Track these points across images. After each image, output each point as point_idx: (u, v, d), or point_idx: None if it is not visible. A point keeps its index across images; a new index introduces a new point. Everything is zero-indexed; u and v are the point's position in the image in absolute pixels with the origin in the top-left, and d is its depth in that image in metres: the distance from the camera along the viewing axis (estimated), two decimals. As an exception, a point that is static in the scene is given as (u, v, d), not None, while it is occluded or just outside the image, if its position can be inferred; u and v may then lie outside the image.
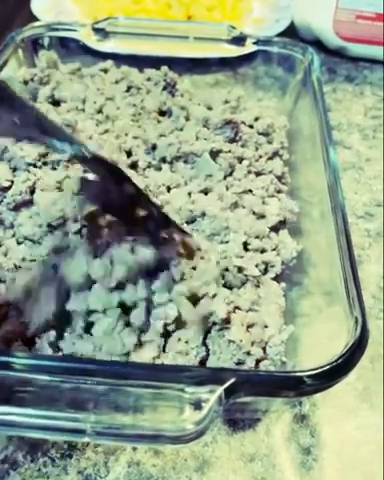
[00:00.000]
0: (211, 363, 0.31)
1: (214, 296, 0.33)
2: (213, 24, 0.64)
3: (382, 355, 0.37)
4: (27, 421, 0.24)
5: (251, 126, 0.47)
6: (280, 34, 0.68)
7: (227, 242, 0.37)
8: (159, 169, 0.44)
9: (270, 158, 0.46)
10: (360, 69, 0.68)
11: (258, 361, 0.32)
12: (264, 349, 0.33)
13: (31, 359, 0.27)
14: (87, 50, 0.56)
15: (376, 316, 0.40)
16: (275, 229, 0.40)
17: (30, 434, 0.25)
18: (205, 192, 0.41)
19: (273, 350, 0.32)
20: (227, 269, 0.35)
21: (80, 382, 0.26)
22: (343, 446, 0.32)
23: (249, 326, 0.33)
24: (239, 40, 0.55)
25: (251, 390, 0.26)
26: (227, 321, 0.32)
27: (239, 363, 0.31)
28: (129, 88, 0.51)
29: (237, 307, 0.33)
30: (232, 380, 0.25)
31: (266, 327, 0.34)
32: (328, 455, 0.32)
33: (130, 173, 0.41)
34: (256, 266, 0.36)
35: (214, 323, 0.32)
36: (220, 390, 0.25)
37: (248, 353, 0.32)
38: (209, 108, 0.49)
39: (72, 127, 0.43)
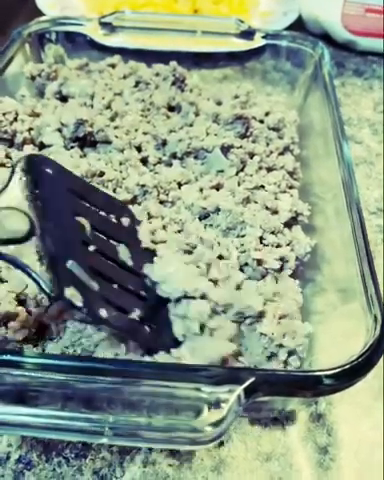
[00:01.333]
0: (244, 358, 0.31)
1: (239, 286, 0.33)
2: (221, 18, 0.63)
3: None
4: (44, 422, 0.24)
5: (262, 121, 0.47)
6: (288, 27, 0.68)
7: (243, 236, 0.37)
8: (169, 165, 0.44)
9: (281, 153, 0.45)
10: (369, 63, 0.67)
11: (290, 353, 0.31)
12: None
13: (46, 358, 0.26)
14: (93, 45, 0.55)
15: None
16: (288, 225, 0.39)
17: (47, 435, 0.25)
18: (217, 188, 0.40)
19: (297, 341, 0.32)
20: (246, 263, 0.34)
21: (95, 381, 0.26)
22: (360, 445, 0.32)
23: (281, 317, 0.33)
24: (248, 34, 0.54)
25: (270, 390, 0.25)
26: (260, 314, 0.32)
27: (271, 356, 0.31)
28: (137, 83, 0.50)
29: (266, 299, 0.33)
30: (251, 379, 0.25)
31: (292, 319, 0.33)
32: (346, 454, 0.32)
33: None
34: (274, 260, 0.36)
35: (246, 316, 0.32)
36: (239, 390, 0.25)
37: (280, 345, 0.31)
38: (218, 103, 0.48)
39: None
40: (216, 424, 0.24)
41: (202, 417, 0.24)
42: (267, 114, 0.48)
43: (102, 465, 0.30)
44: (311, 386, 0.26)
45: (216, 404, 0.25)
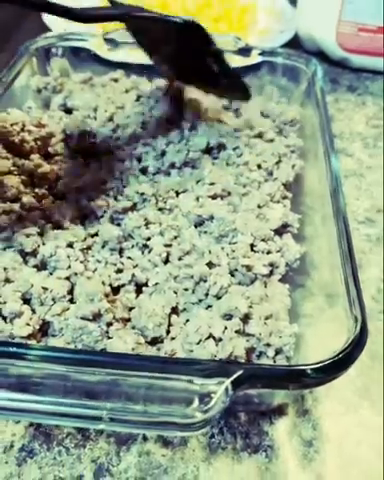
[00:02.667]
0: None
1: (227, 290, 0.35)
2: (219, 35, 0.66)
3: (382, 355, 0.39)
4: (45, 408, 0.26)
5: (260, 135, 0.49)
6: (284, 45, 0.70)
7: (235, 243, 0.39)
8: (168, 174, 0.46)
9: (278, 162, 0.47)
10: (362, 79, 0.70)
11: (277, 352, 0.33)
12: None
13: (46, 351, 0.28)
14: (98, 59, 0.58)
15: (377, 318, 0.41)
16: (279, 233, 0.42)
17: (49, 421, 0.27)
18: (213, 197, 0.43)
19: (284, 340, 0.34)
20: (236, 269, 0.37)
21: (94, 373, 0.28)
22: (344, 440, 0.34)
23: (267, 318, 0.35)
24: (245, 51, 0.57)
25: (256, 382, 0.27)
26: (246, 315, 0.34)
27: (260, 355, 0.33)
28: (139, 97, 0.52)
29: (253, 302, 0.35)
30: (239, 373, 0.27)
31: (278, 320, 0.35)
32: (330, 448, 0.33)
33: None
34: (263, 266, 0.38)
35: (231, 317, 0.34)
36: (227, 382, 0.27)
37: (268, 344, 0.33)
38: (218, 119, 0.51)
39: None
40: (204, 412, 0.26)
41: (193, 406, 0.26)
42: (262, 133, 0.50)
43: (100, 454, 0.32)
44: (295, 379, 0.28)
45: (206, 395, 0.27)
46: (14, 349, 0.28)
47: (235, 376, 0.27)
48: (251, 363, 0.32)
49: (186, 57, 0.43)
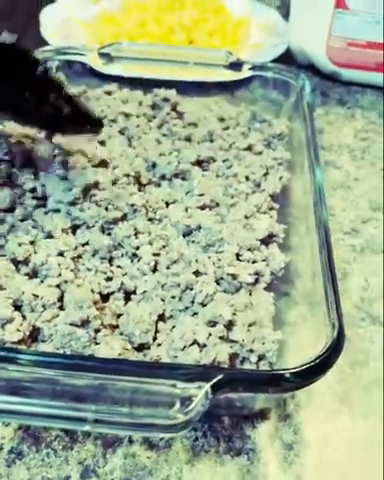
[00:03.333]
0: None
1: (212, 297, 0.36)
2: (212, 50, 0.68)
3: (362, 361, 0.40)
4: (32, 410, 0.27)
5: (250, 148, 0.51)
6: (277, 58, 0.72)
7: (221, 252, 0.40)
8: (159, 185, 0.47)
9: (266, 174, 0.49)
10: (352, 93, 0.71)
11: (260, 358, 0.35)
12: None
13: (36, 355, 0.30)
14: (93, 72, 0.59)
15: (358, 325, 0.42)
16: (265, 242, 0.43)
17: (36, 423, 0.28)
18: (201, 207, 0.44)
19: (267, 347, 0.35)
20: (222, 277, 0.38)
21: (81, 377, 0.29)
22: (324, 445, 0.35)
23: (250, 325, 0.36)
24: (236, 65, 0.58)
25: (236, 386, 0.29)
26: (231, 322, 0.35)
27: (243, 361, 0.34)
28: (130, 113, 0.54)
29: (237, 309, 0.36)
30: (219, 377, 0.28)
31: (262, 327, 0.37)
32: (310, 452, 0.35)
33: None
34: (248, 275, 0.39)
35: (215, 324, 0.35)
36: (207, 386, 0.28)
37: (251, 350, 0.35)
38: (209, 131, 0.52)
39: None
40: (185, 414, 0.27)
41: (174, 409, 0.28)
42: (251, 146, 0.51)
43: (87, 456, 0.33)
44: (274, 383, 0.29)
45: (187, 398, 0.28)
46: (5, 353, 0.29)
47: (215, 380, 0.28)
48: (231, 368, 0.33)
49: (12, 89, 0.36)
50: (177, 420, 0.27)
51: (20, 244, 0.38)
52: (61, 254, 0.38)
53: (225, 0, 0.85)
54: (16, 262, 0.38)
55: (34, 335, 0.35)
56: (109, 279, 0.39)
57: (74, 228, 0.42)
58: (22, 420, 0.30)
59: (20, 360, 0.29)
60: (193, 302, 0.37)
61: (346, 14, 0.66)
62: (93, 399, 0.29)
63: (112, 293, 0.38)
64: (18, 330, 0.34)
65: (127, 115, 0.53)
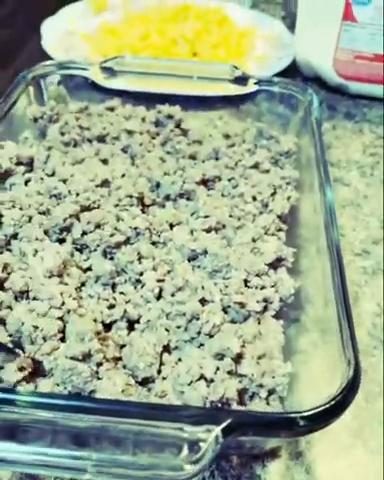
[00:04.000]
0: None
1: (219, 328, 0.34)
2: (217, 64, 0.66)
3: (377, 393, 0.38)
4: (31, 458, 0.25)
5: (256, 166, 0.49)
6: (283, 70, 0.71)
7: (228, 278, 0.38)
8: (163, 206, 0.46)
9: (273, 194, 0.47)
10: (359, 106, 0.70)
11: (270, 392, 0.33)
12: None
13: (34, 396, 0.28)
14: (95, 86, 0.58)
15: (371, 353, 0.41)
16: (273, 266, 0.41)
17: (35, 471, 0.27)
18: (207, 230, 0.42)
19: (277, 381, 0.33)
20: (229, 306, 0.36)
21: (81, 419, 0.27)
22: (337, 484, 0.33)
23: (259, 357, 0.34)
24: (241, 80, 0.57)
25: (247, 430, 0.27)
26: (239, 355, 0.33)
27: (252, 396, 0.33)
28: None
29: (245, 341, 0.35)
30: (229, 420, 0.27)
31: (271, 359, 0.35)
32: (323, 492, 0.33)
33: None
34: (257, 302, 0.37)
35: (223, 357, 0.33)
36: (217, 430, 0.26)
37: (261, 385, 0.33)
38: (214, 149, 0.50)
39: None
40: (195, 462, 0.25)
41: (181, 456, 0.26)
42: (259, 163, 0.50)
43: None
44: (286, 427, 0.27)
45: (195, 443, 0.26)
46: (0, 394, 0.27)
47: (225, 424, 0.26)
48: (241, 411, 0.31)
49: None
50: (186, 471, 0.25)
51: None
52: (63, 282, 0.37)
53: (229, 11, 0.84)
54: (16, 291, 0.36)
55: (34, 368, 0.34)
56: (112, 307, 0.37)
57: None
58: (19, 468, 0.28)
59: (17, 401, 0.27)
60: (199, 333, 0.35)
61: (354, 27, 0.65)
62: (94, 443, 0.27)
63: (115, 322, 0.37)
64: (20, 369, 0.32)
65: (130, 132, 0.52)
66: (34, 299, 0.36)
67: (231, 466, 0.33)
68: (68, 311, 0.35)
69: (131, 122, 0.53)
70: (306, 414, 0.27)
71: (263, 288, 0.39)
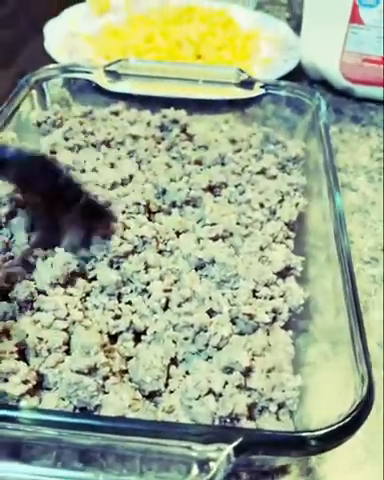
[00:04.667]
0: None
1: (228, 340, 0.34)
2: (222, 68, 0.65)
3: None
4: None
5: (263, 172, 0.48)
6: (288, 73, 0.70)
7: (237, 288, 0.38)
8: (169, 213, 0.45)
9: (281, 200, 0.46)
10: (366, 110, 0.69)
11: (280, 406, 0.32)
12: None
13: (39, 413, 0.27)
14: (99, 89, 0.57)
15: (381, 365, 0.40)
16: (282, 276, 0.40)
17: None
18: (214, 238, 0.41)
19: (287, 394, 0.33)
20: (237, 317, 0.35)
21: (88, 437, 0.26)
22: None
23: (269, 371, 0.34)
24: (247, 84, 0.56)
25: (258, 449, 0.26)
26: (248, 369, 0.33)
27: (262, 410, 0.32)
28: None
29: (254, 353, 0.34)
30: (240, 439, 0.26)
31: (281, 371, 0.34)
32: (334, 510, 0.32)
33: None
34: (266, 313, 0.37)
35: (232, 370, 0.32)
36: (229, 449, 0.25)
37: (270, 399, 0.32)
38: (220, 154, 0.50)
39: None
40: (207, 485, 0.24)
41: (192, 475, 0.25)
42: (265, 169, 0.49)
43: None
44: (299, 447, 0.26)
45: (205, 462, 0.25)
46: (4, 412, 0.27)
47: (236, 443, 0.26)
48: (252, 429, 0.30)
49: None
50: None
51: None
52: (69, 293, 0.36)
53: (233, 13, 0.83)
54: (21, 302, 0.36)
55: (38, 381, 0.33)
56: (117, 317, 0.37)
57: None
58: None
59: (21, 419, 0.26)
60: (207, 345, 0.34)
61: (361, 29, 0.64)
62: (101, 459, 0.26)
63: (120, 333, 0.36)
64: (23, 382, 0.31)
65: (135, 137, 0.51)
66: (39, 310, 0.35)
67: (240, 483, 0.33)
68: (73, 322, 0.35)
69: (136, 127, 0.52)
70: (319, 433, 0.26)
71: (272, 298, 0.38)
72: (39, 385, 0.33)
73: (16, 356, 0.32)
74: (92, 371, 0.32)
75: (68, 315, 0.35)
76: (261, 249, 0.41)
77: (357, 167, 0.59)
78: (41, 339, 0.33)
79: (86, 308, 0.37)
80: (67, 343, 0.34)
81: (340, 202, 0.41)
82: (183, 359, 0.35)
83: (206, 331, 0.35)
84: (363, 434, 0.35)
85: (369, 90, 0.69)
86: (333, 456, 0.34)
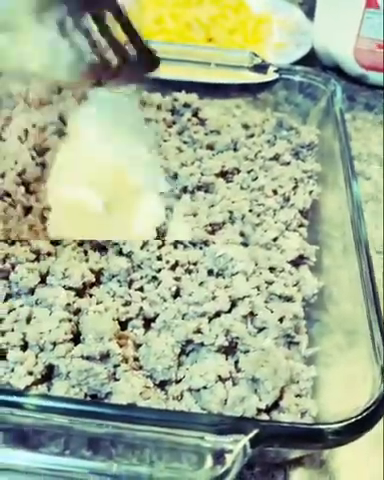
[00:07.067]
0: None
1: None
2: (235, 51, 0.64)
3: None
4: (47, 468, 0.24)
5: (276, 158, 0.47)
6: (301, 59, 0.69)
7: (249, 279, 0.37)
8: (178, 198, 0.44)
9: (295, 187, 0.45)
10: (379, 97, 0.68)
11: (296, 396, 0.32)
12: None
13: (48, 400, 0.26)
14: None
15: (396, 357, 0.39)
16: (295, 264, 0.39)
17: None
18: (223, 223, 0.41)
19: (301, 385, 0.32)
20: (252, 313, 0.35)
21: (98, 425, 0.26)
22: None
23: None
24: (261, 68, 0.55)
25: (275, 441, 0.25)
26: None
27: (277, 400, 0.31)
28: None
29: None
30: (256, 431, 0.25)
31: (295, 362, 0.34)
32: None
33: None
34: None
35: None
36: (245, 440, 0.25)
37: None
38: (232, 139, 0.48)
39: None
40: (220, 477, 0.24)
41: (205, 468, 0.24)
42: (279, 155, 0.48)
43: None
44: (315, 439, 0.26)
45: (220, 454, 0.25)
46: (11, 397, 0.26)
47: (252, 434, 0.25)
48: (268, 420, 0.29)
49: None
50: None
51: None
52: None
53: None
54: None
55: (46, 373, 0.32)
56: (127, 304, 0.36)
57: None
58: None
59: (30, 406, 0.26)
60: (217, 335, 0.33)
61: (377, 14, 0.63)
62: (112, 448, 0.26)
63: (130, 319, 0.35)
64: (29, 374, 0.30)
65: (146, 120, 0.50)
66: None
67: (252, 474, 0.32)
68: (78, 311, 0.34)
69: (146, 110, 0.51)
70: (337, 426, 0.26)
71: (285, 287, 0.37)
72: (46, 376, 0.32)
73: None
74: (103, 358, 0.31)
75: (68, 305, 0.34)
76: (274, 237, 0.40)
77: (370, 155, 0.58)
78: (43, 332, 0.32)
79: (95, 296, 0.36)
80: (71, 333, 0.33)
81: (358, 190, 0.40)
82: (192, 349, 0.34)
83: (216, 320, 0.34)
84: (379, 426, 0.34)
85: (381, 77, 0.67)
86: (347, 448, 0.34)
